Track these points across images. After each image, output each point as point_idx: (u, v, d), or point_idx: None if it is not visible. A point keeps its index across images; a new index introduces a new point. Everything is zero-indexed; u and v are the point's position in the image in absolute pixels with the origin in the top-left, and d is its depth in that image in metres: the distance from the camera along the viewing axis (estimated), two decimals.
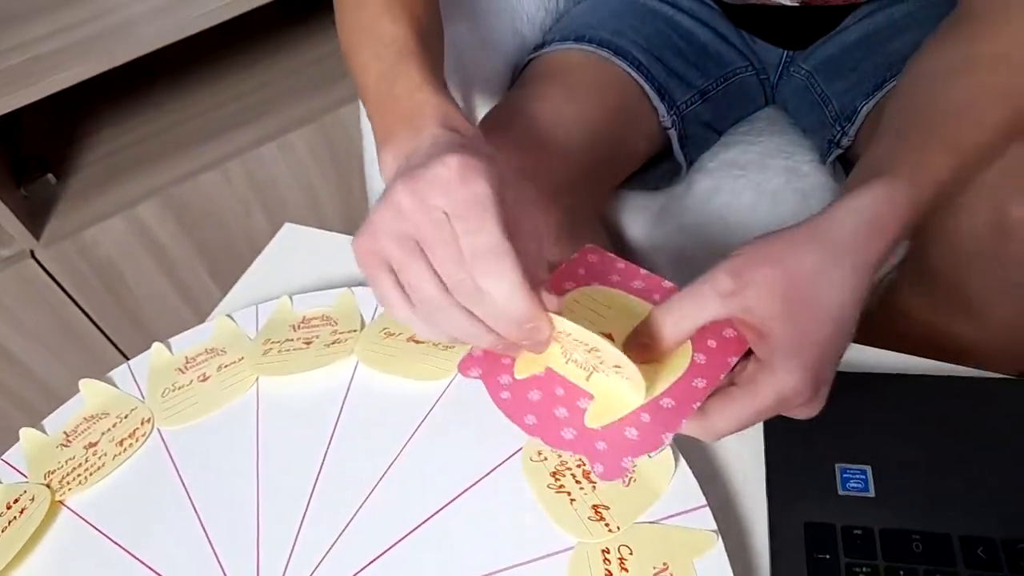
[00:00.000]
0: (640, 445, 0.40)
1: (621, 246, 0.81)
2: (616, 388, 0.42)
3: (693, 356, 0.42)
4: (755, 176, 0.77)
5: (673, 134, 0.75)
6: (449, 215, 0.38)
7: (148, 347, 0.58)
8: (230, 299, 0.65)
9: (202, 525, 0.48)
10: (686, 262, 0.78)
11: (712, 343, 0.42)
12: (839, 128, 0.70)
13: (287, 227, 0.71)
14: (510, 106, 0.66)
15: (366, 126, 0.85)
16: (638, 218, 0.80)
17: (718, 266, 0.40)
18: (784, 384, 0.39)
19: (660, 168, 0.79)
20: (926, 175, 0.42)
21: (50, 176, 1.07)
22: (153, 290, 1.09)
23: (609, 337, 0.42)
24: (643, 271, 0.48)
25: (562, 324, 0.41)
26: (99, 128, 1.15)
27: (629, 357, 0.39)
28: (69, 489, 0.50)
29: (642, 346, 0.42)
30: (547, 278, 0.43)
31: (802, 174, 0.76)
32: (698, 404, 0.40)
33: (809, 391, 0.39)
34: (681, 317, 0.41)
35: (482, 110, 0.78)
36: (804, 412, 0.41)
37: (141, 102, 1.18)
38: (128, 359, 0.58)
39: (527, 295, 0.38)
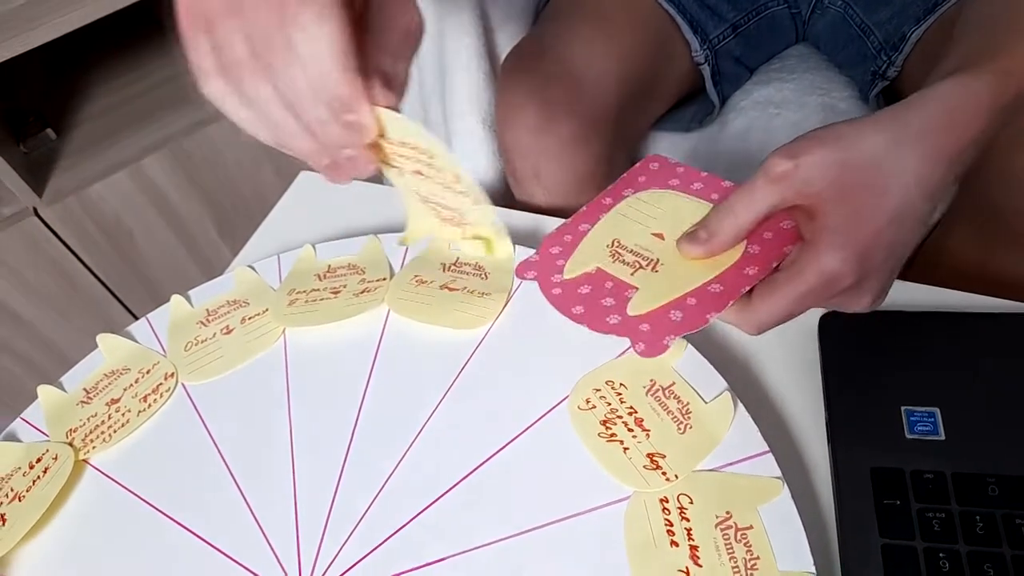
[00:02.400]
0: (684, 325, 0.38)
1: None
2: (659, 282, 0.41)
3: (747, 248, 0.40)
4: (791, 114, 0.73)
5: (706, 70, 0.71)
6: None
7: (157, 306, 0.55)
8: (248, 250, 0.62)
9: (235, 481, 0.45)
10: None
11: (768, 235, 0.40)
12: (885, 58, 0.66)
13: (303, 175, 0.68)
14: (538, 41, 0.62)
15: None
16: None
17: (774, 151, 0.37)
18: (827, 263, 0.36)
19: (690, 108, 0.75)
20: (1014, 66, 0.38)
21: (49, 131, 1.03)
22: (161, 247, 1.06)
23: (660, 237, 0.43)
24: (703, 173, 0.46)
25: (391, 122, 0.37)
26: (99, 80, 1.11)
27: (686, 252, 0.40)
28: (93, 447, 0.47)
29: (698, 240, 0.39)
30: (403, 79, 0.38)
31: (840, 111, 0.73)
32: (747, 289, 0.38)
33: (854, 274, 0.36)
34: (736, 208, 0.38)
35: (505, 49, 0.74)
36: (853, 302, 0.38)
37: (143, 51, 1.13)
38: (137, 319, 0.55)
39: (345, 69, 0.33)
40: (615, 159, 0.66)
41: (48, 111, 1.07)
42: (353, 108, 0.35)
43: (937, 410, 0.44)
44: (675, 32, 0.69)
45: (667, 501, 0.41)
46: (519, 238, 0.55)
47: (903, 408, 0.44)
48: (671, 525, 0.40)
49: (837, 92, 0.74)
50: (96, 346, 0.53)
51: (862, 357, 0.47)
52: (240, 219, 1.10)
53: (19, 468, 0.46)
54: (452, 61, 0.69)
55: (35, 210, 0.95)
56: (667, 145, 0.76)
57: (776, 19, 0.78)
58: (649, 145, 0.77)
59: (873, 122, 0.37)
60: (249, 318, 0.53)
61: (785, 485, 0.40)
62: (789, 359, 0.48)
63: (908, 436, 0.43)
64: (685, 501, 0.41)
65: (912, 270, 0.50)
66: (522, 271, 0.45)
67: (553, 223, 0.59)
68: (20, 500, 0.45)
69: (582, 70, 0.59)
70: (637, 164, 0.48)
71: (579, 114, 0.59)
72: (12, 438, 0.49)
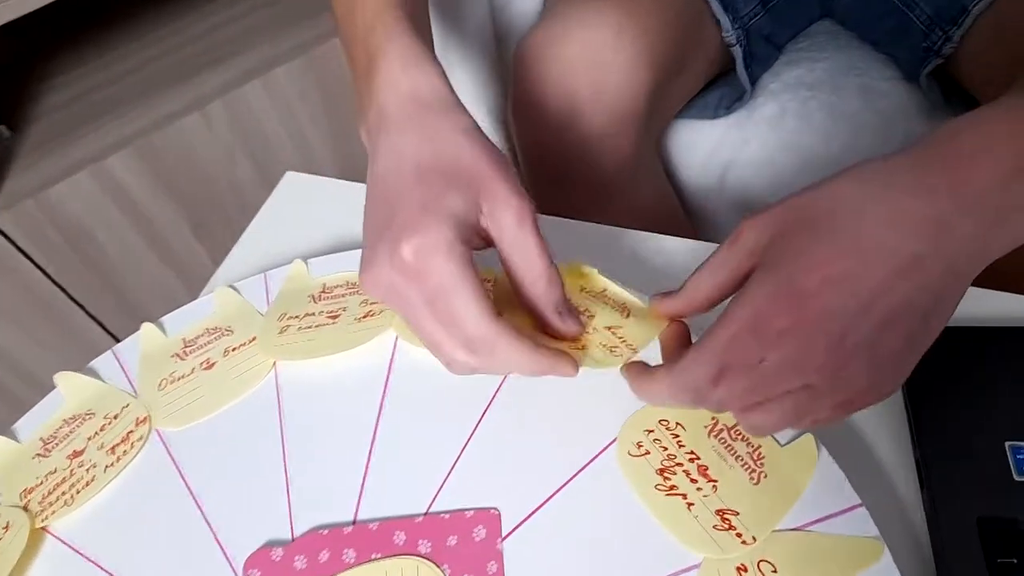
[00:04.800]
0: None
1: (673, 184, 0.71)
2: None
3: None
4: (826, 97, 0.67)
5: (738, 52, 0.64)
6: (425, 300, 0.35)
7: (134, 322, 0.48)
8: (229, 265, 0.54)
9: (222, 548, 0.38)
10: (749, 201, 0.68)
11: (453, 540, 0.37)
12: (940, 33, 0.60)
13: (289, 176, 0.60)
14: (556, 25, 0.55)
15: None
16: (693, 151, 0.70)
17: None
18: (749, 296, 0.31)
19: (715, 93, 0.68)
20: None
21: (3, 128, 0.94)
22: (132, 254, 0.97)
23: None
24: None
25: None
26: (57, 71, 1.01)
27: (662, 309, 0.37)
28: (52, 512, 0.40)
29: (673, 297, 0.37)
30: (561, 297, 0.38)
31: (881, 93, 0.66)
32: None
33: (789, 316, 0.30)
34: (704, 272, 0.35)
35: (512, 31, 0.66)
36: (820, 398, 0.31)
37: (104, 38, 1.04)
38: (114, 336, 0.47)
39: (536, 364, 0.36)
40: (644, 155, 0.59)
41: (1, 106, 0.98)
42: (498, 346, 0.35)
43: None
44: (704, 11, 0.62)
45: (745, 570, 0.34)
46: None
47: (1008, 444, 0.38)
48: None
49: (876, 72, 0.68)
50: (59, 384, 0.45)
51: (952, 384, 0.41)
52: (217, 220, 1.02)
53: None
54: (455, 45, 0.61)
55: None
56: (693, 134, 0.69)
57: None
58: (673, 135, 0.70)
59: (867, 164, 0.32)
60: (233, 349, 0.46)
61: (886, 547, 0.34)
62: None
63: (1017, 478, 0.37)
64: (768, 569, 0.34)
65: (991, 278, 0.43)
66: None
67: (576, 228, 0.52)
68: None
69: (608, 57, 0.52)
70: None
71: (606, 106, 0.52)
72: None
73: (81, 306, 0.94)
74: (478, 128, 0.38)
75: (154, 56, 1.01)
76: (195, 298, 0.50)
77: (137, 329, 0.48)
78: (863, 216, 0.30)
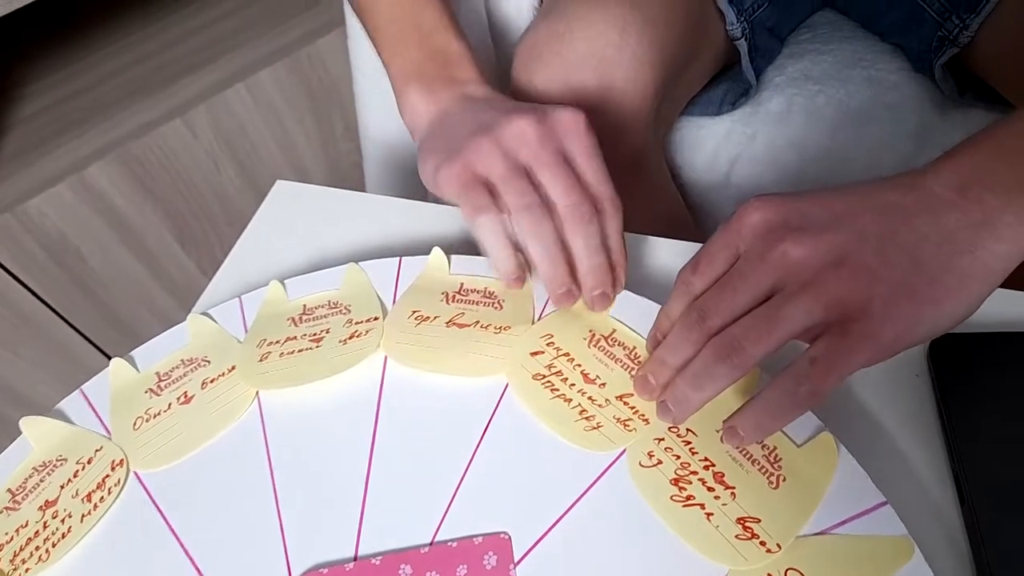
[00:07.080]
0: None
1: (678, 183, 0.69)
2: None
3: None
4: (834, 91, 0.64)
5: (743, 45, 0.62)
6: (571, 156, 0.42)
7: (126, 338, 0.45)
8: (220, 281, 0.51)
9: None
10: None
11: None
12: (956, 21, 0.57)
13: (279, 186, 0.57)
14: (559, 20, 0.52)
15: (356, 61, 0.70)
16: (698, 149, 0.67)
17: None
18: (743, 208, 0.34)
19: (719, 88, 0.66)
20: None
21: None
22: (119, 268, 0.94)
23: None
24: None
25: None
26: (29, 79, 0.98)
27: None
28: (27, 570, 0.37)
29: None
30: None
31: (890, 85, 0.64)
32: None
33: (782, 217, 0.33)
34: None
35: (508, 21, 0.64)
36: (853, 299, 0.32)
37: (78, 44, 1.00)
38: (105, 354, 0.44)
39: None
40: (650, 154, 0.57)
41: None
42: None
43: None
44: (708, 4, 0.60)
45: None
46: None
47: None
48: None
49: (883, 64, 0.65)
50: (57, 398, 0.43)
51: (991, 391, 0.39)
52: (205, 230, 0.99)
53: None
54: None
55: None
56: (697, 131, 0.67)
57: None
58: (676, 133, 0.67)
59: None
60: (211, 380, 0.43)
61: (916, 546, 0.33)
62: (887, 382, 0.40)
63: None
64: None
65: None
66: None
67: None
68: None
69: (613, 54, 0.50)
70: None
71: (612, 104, 0.50)
72: None
73: (70, 323, 0.91)
74: None
75: (132, 62, 0.98)
76: (188, 312, 0.47)
77: (130, 346, 0.45)
78: (856, 185, 0.33)
